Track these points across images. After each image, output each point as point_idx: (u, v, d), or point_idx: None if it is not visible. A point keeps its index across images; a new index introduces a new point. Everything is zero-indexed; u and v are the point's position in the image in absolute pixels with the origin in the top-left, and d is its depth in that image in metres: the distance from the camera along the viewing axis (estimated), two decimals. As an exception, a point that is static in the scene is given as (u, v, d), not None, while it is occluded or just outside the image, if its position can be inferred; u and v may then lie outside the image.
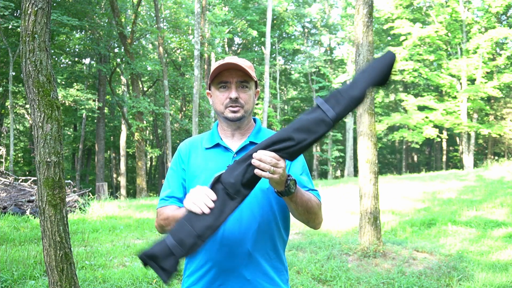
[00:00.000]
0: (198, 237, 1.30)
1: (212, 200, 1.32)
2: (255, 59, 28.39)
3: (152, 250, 1.33)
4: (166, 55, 22.14)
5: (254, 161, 1.32)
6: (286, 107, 36.10)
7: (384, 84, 1.40)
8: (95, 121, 23.37)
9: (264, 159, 1.31)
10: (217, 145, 1.65)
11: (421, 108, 24.12)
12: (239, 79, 1.60)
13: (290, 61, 33.34)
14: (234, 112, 1.60)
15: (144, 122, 19.78)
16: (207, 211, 1.30)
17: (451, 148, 33.02)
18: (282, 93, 35.32)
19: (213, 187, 1.35)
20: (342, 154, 29.83)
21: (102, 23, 19.89)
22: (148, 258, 1.32)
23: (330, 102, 1.36)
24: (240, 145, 1.63)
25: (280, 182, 1.36)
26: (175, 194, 1.65)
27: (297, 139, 1.34)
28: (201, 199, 1.32)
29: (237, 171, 1.34)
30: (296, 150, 1.35)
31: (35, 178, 9.38)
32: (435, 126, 23.90)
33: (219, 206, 1.32)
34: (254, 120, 1.74)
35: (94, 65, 22.45)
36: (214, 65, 1.61)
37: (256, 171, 1.32)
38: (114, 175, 29.32)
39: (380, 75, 1.37)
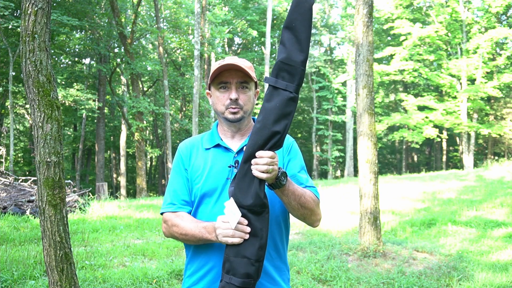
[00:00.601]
0: (257, 261, 1.35)
1: (245, 224, 1.37)
2: (255, 59, 28.38)
3: None
4: (166, 55, 22.14)
5: (253, 166, 1.35)
6: (286, 107, 36.05)
7: None
8: (95, 121, 23.37)
9: (260, 161, 1.34)
10: (217, 146, 1.65)
11: (421, 108, 24.11)
12: (239, 80, 1.59)
13: (290, 61, 33.31)
14: (234, 113, 1.60)
15: (144, 122, 19.77)
16: (247, 237, 1.35)
17: (451, 148, 33.02)
18: (282, 93, 35.28)
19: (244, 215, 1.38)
20: (342, 154, 29.82)
21: (102, 23, 19.88)
22: None
23: (282, 77, 1.35)
24: (240, 145, 1.63)
25: (271, 178, 1.39)
26: (181, 196, 1.63)
27: (281, 130, 1.35)
28: (236, 232, 1.37)
29: (252, 189, 1.35)
30: (283, 138, 1.38)
31: (35, 178, 9.37)
32: (435, 126, 23.89)
33: (255, 225, 1.35)
34: (254, 120, 1.74)
35: (94, 65, 22.45)
36: (214, 65, 1.61)
37: (254, 172, 1.34)
38: (114, 175, 29.31)
39: (308, 25, 1.34)
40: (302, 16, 1.33)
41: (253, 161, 1.36)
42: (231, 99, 1.58)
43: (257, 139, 1.36)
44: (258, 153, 1.35)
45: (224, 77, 1.60)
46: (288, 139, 1.70)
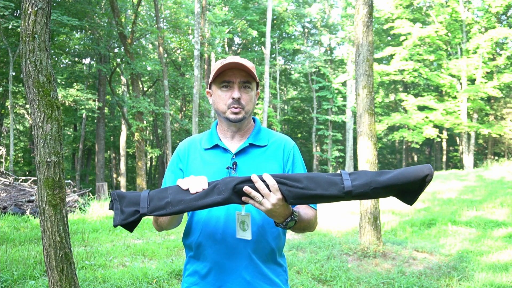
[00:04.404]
0: (167, 203, 1.32)
1: (203, 188, 1.34)
2: (255, 59, 28.37)
3: (126, 193, 1.36)
4: (166, 55, 22.14)
5: (253, 177, 1.31)
6: (286, 107, 36.11)
7: (406, 198, 1.34)
8: (95, 121, 23.36)
9: (259, 185, 1.30)
10: (216, 146, 1.63)
11: (421, 108, 24.11)
12: (242, 80, 1.57)
13: (290, 61, 33.34)
14: (235, 113, 1.57)
15: (144, 122, 19.77)
16: (192, 191, 1.33)
17: (451, 148, 33.01)
18: (282, 93, 35.32)
19: (211, 183, 1.37)
20: (342, 154, 29.83)
21: (102, 23, 19.87)
22: (118, 197, 1.34)
23: (352, 175, 1.34)
24: (239, 147, 1.61)
25: (271, 215, 1.35)
26: None
27: (305, 184, 1.32)
28: (193, 181, 1.35)
29: (237, 178, 1.34)
30: (298, 194, 1.32)
31: (35, 178, 9.38)
32: (435, 126, 23.88)
33: (204, 193, 1.33)
34: (254, 120, 1.72)
35: (94, 65, 22.44)
36: (217, 64, 1.58)
37: (246, 188, 1.30)
38: (114, 175, 29.31)
39: (408, 183, 1.30)
40: (413, 176, 1.29)
41: (255, 177, 1.31)
42: (233, 98, 1.56)
43: (287, 173, 1.35)
44: (265, 174, 1.32)
45: (227, 76, 1.57)
46: (289, 143, 1.67)
